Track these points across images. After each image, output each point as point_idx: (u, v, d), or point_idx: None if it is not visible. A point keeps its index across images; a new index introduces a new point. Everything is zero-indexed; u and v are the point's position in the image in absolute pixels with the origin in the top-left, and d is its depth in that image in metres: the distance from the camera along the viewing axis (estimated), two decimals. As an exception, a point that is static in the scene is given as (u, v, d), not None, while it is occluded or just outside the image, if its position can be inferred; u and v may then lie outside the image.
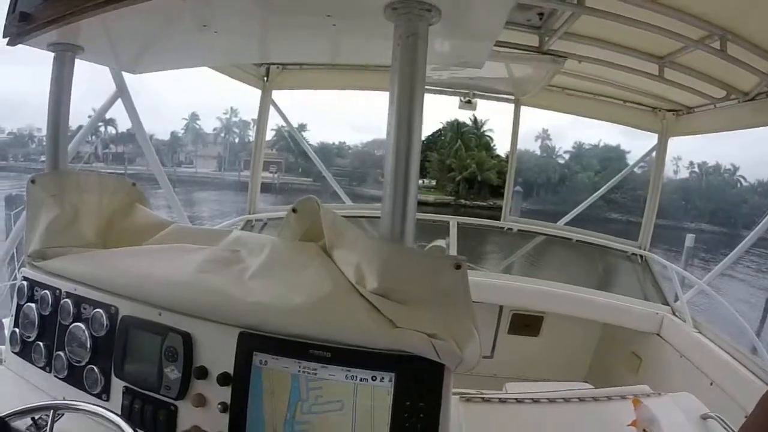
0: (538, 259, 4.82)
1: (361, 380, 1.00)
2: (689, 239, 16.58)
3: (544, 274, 4.59)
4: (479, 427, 1.63)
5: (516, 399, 1.84)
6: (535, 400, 1.83)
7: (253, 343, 1.07)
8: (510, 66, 3.24)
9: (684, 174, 46.86)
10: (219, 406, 1.09)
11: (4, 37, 1.44)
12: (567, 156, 48.37)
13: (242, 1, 1.09)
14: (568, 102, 4.11)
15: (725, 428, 1.65)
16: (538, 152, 48.96)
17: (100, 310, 1.28)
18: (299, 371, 1.03)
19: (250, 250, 1.26)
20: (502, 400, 1.83)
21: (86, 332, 1.29)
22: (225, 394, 1.09)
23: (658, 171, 4.23)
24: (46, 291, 1.40)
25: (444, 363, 0.98)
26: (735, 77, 2.83)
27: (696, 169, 47.07)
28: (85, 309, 1.32)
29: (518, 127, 4.45)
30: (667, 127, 4.02)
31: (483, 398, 1.80)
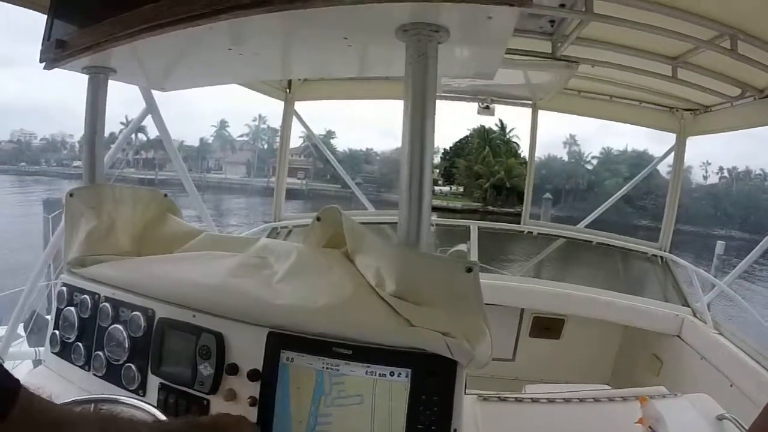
0: (559, 262, 4.82)
1: (380, 375, 1.07)
2: (719, 246, 16.13)
3: (564, 276, 4.60)
4: (494, 424, 1.68)
5: (531, 399, 1.89)
6: (551, 400, 1.87)
7: (281, 341, 1.15)
8: (526, 72, 3.28)
9: (714, 179, 45.82)
10: (248, 399, 1.17)
11: (41, 62, 1.55)
12: (595, 162, 47.71)
13: (266, 26, 1.16)
14: (585, 105, 4.14)
15: (740, 429, 1.66)
16: (565, 158, 48.44)
17: (138, 313, 1.37)
18: (323, 367, 1.11)
19: (278, 257, 1.34)
20: (518, 400, 1.87)
21: (124, 333, 1.38)
22: (254, 389, 1.17)
23: (678, 171, 4.21)
24: (86, 296, 1.50)
25: (457, 360, 1.05)
26: (749, 75, 2.83)
27: (726, 174, 45.97)
28: (123, 312, 1.41)
29: (536, 132, 4.48)
30: (685, 126, 4.01)
31: (499, 398, 1.85)
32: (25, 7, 1.66)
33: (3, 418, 0.57)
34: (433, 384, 1.05)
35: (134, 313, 1.38)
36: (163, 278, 1.39)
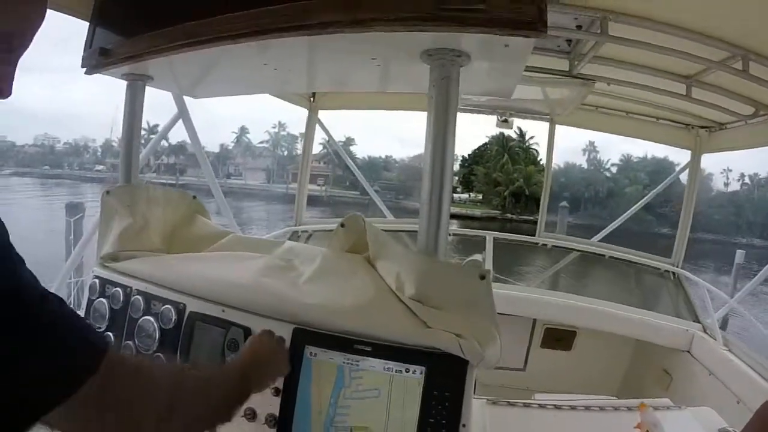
0: (572, 274, 4.86)
1: (396, 372, 1.15)
2: (739, 255, 15.92)
3: (577, 289, 4.63)
4: (502, 426, 1.75)
5: (539, 405, 1.95)
6: (558, 407, 1.92)
7: (306, 337, 1.22)
8: (544, 88, 3.34)
9: (735, 186, 45.04)
10: (272, 390, 1.23)
11: (82, 67, 1.62)
12: (614, 169, 47.28)
13: (300, 45, 1.26)
14: (602, 120, 4.18)
15: None
16: (584, 165, 48.04)
17: (169, 306, 1.43)
18: (344, 362, 1.19)
19: (303, 260, 1.42)
20: (525, 405, 1.93)
21: (155, 325, 1.43)
22: (278, 380, 1.23)
23: (692, 188, 4.21)
24: (118, 288, 1.55)
25: (468, 359, 1.12)
26: (762, 94, 2.85)
27: (747, 181, 45.20)
28: (154, 305, 1.46)
29: (553, 146, 4.53)
30: (700, 144, 4.02)
31: (508, 402, 1.92)
32: (67, 14, 1.72)
33: (94, 372, 0.65)
34: (445, 381, 1.12)
35: (165, 306, 1.44)
36: (194, 275, 1.46)
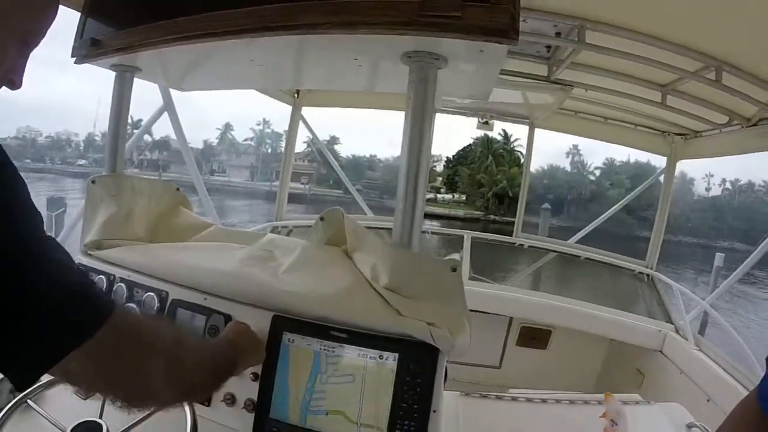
0: (548, 274, 4.95)
1: (370, 358, 1.20)
2: (719, 258, 16.25)
3: (552, 289, 4.72)
4: (474, 416, 1.81)
5: (512, 397, 2.01)
6: (529, 399, 1.99)
7: (284, 324, 1.27)
8: (524, 92, 3.41)
9: (716, 191, 45.77)
10: (251, 375, 1.28)
11: (72, 56, 1.63)
12: (598, 172, 47.75)
13: (287, 44, 1.30)
14: (580, 125, 4.27)
15: None
16: (568, 168, 48.44)
17: (152, 294, 1.46)
18: (320, 349, 1.24)
19: (283, 251, 1.46)
20: (498, 397, 2.00)
21: (137, 311, 1.44)
22: (257, 366, 1.28)
23: (666, 193, 4.34)
24: (101, 276, 1.57)
25: (439, 347, 1.17)
26: (736, 104, 2.93)
27: (728, 186, 45.98)
28: (137, 293, 1.49)
29: (532, 148, 4.64)
30: (675, 150, 4.13)
31: (481, 395, 1.98)
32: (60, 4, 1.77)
33: (102, 325, 0.68)
34: (417, 368, 1.18)
35: (148, 293, 1.47)
36: (176, 264, 1.50)
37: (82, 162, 53.17)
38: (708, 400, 2.88)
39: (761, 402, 0.85)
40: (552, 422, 1.89)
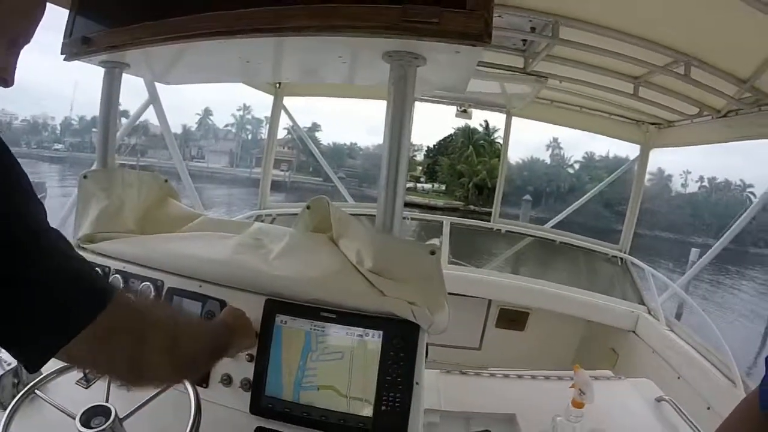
0: (526, 258, 5.08)
1: (357, 336, 1.30)
2: (694, 253, 16.81)
3: (530, 272, 4.85)
4: (453, 390, 1.92)
5: (490, 374, 2.13)
6: (506, 375, 2.11)
7: (276, 307, 1.36)
8: (501, 83, 3.49)
9: (693, 188, 46.39)
10: (247, 356, 1.36)
11: (62, 54, 1.66)
12: (577, 166, 47.93)
13: (271, 43, 1.38)
14: (556, 114, 4.39)
15: (676, 410, 1.86)
16: (548, 161, 48.67)
17: (148, 283, 1.51)
18: (311, 329, 1.33)
19: (272, 239, 1.54)
20: (477, 374, 2.11)
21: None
22: (251, 348, 1.36)
23: (639, 180, 4.51)
24: (97, 268, 1.62)
25: (420, 324, 1.28)
26: (705, 97, 3.04)
27: (705, 183, 46.57)
28: (133, 283, 1.53)
29: (509, 136, 4.79)
30: (649, 139, 4.27)
31: (461, 372, 2.09)
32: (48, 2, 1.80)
33: (95, 319, 0.72)
34: (400, 344, 1.28)
35: (144, 283, 1.51)
36: (170, 253, 1.55)
37: (59, 146, 51.50)
38: (678, 378, 3.03)
39: (761, 402, 0.84)
40: (526, 394, 2.01)
